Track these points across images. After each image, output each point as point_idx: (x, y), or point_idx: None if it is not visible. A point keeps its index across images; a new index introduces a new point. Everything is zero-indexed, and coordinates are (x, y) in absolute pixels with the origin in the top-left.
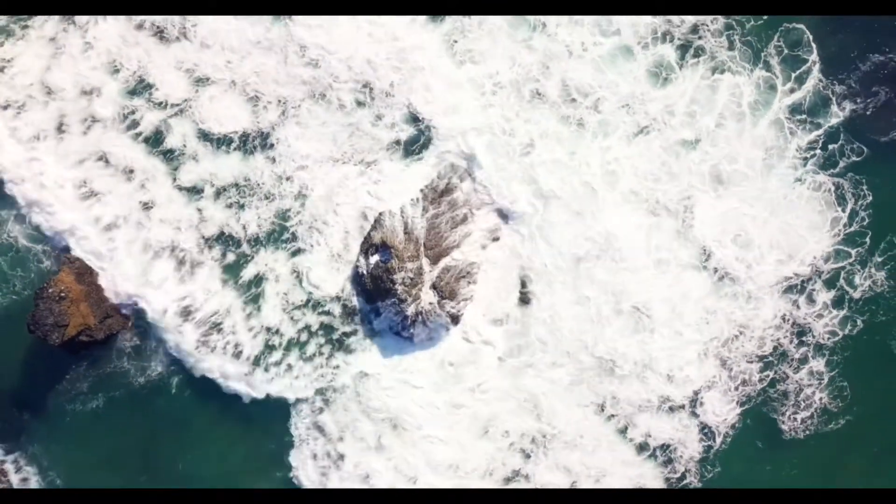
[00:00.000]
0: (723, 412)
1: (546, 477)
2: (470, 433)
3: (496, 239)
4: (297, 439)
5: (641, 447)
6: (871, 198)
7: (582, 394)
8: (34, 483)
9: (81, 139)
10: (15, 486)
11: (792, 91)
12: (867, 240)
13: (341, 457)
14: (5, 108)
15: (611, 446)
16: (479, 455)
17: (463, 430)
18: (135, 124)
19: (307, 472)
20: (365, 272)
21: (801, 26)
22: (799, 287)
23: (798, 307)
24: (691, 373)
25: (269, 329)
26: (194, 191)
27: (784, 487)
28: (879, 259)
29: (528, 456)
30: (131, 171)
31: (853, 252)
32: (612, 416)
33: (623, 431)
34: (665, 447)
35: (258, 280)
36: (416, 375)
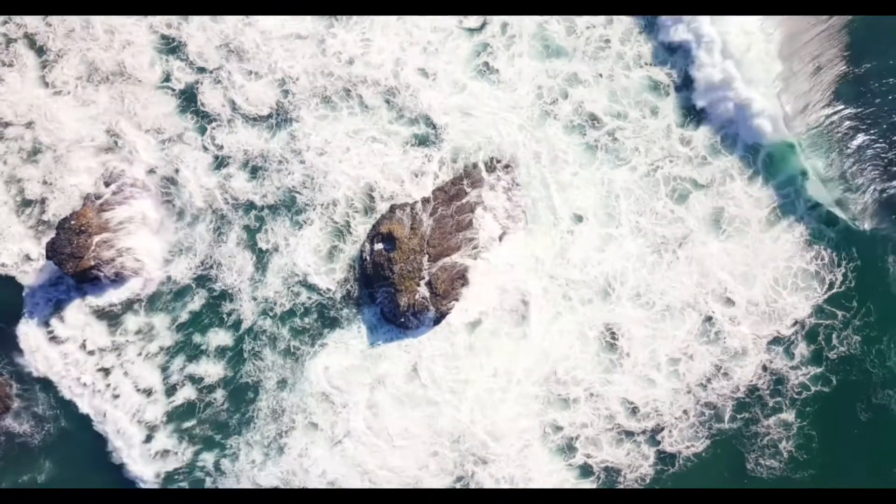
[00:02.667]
0: (686, 442)
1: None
2: (423, 432)
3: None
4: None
5: (586, 470)
6: (860, 261)
7: (533, 421)
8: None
9: (109, 92)
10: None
11: None
12: (854, 303)
13: (284, 444)
14: (43, 52)
15: (554, 469)
16: (425, 456)
17: (418, 428)
18: (167, 79)
19: (251, 454)
20: (368, 257)
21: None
22: (784, 340)
23: (777, 356)
24: (661, 407)
25: (267, 300)
26: (221, 157)
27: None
28: (858, 323)
29: (481, 463)
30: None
31: (839, 314)
32: (562, 439)
33: (563, 452)
34: (612, 470)
35: (267, 251)
36: (387, 364)
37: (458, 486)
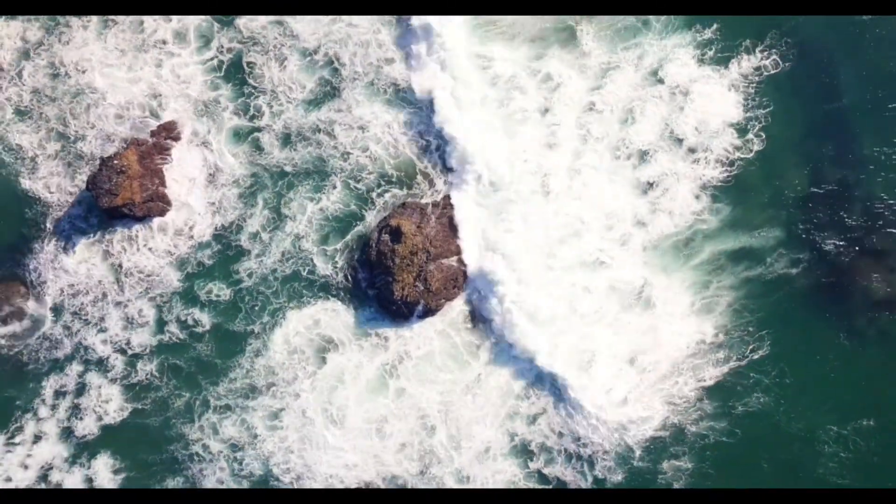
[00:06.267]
0: (610, 472)
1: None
2: (386, 423)
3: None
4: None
5: (542, 478)
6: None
7: (497, 430)
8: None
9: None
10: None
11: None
12: (767, 366)
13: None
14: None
15: (512, 475)
16: (388, 448)
17: (381, 417)
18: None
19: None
20: (374, 245)
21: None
22: (687, 398)
23: (677, 412)
24: (595, 438)
25: (274, 270)
26: (259, 125)
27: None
28: (767, 381)
29: (439, 462)
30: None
31: (752, 375)
32: (521, 444)
33: (519, 456)
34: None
35: (288, 217)
36: (368, 346)
37: (417, 478)
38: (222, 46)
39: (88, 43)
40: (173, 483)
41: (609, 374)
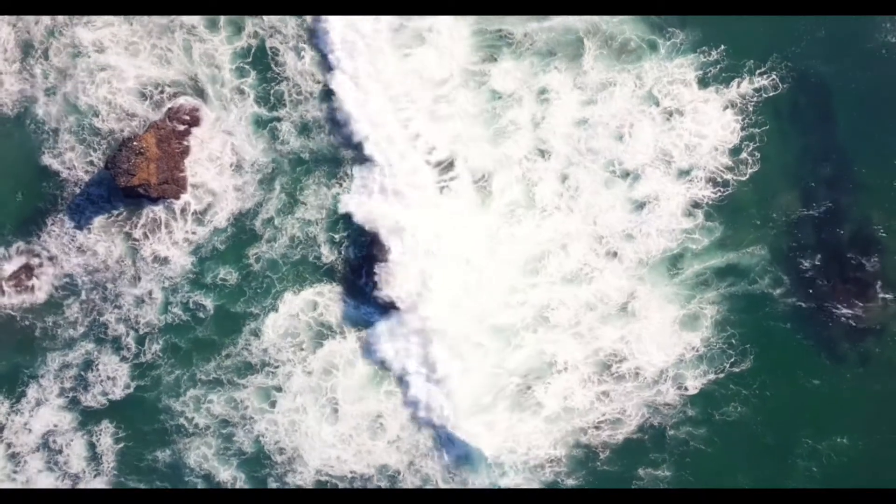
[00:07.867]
0: (564, 476)
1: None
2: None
3: None
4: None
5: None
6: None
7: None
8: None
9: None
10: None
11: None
12: (749, 379)
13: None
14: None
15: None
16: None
17: (386, 411)
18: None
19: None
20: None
21: None
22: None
23: (659, 415)
24: (540, 444)
25: (284, 255)
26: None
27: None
28: (747, 393)
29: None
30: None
31: (732, 386)
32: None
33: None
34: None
35: (301, 203)
36: (367, 339)
37: (406, 469)
38: (248, 33)
39: (113, 24)
40: (162, 455)
41: (574, 379)
